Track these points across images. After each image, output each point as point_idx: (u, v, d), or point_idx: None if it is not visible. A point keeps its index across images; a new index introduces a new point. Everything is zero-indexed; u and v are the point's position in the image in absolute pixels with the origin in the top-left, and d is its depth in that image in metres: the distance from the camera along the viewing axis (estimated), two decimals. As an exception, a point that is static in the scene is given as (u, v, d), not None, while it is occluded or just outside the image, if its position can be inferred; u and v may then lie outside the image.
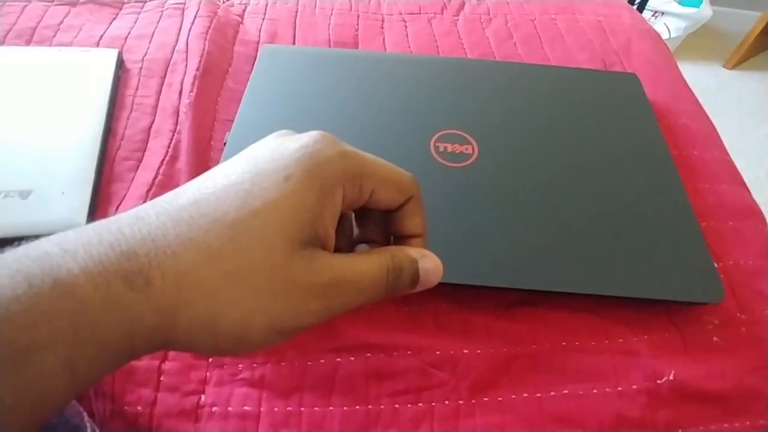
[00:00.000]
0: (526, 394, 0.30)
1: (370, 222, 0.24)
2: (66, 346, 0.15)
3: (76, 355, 0.15)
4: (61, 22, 0.50)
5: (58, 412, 0.17)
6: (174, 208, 0.18)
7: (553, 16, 0.58)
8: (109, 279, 0.16)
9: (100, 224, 0.17)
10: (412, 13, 0.57)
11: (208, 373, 0.30)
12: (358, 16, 0.56)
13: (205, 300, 0.17)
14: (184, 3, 0.54)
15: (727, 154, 0.45)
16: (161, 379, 0.29)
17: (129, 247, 0.16)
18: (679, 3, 1.52)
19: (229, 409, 0.29)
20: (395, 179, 0.21)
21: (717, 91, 1.57)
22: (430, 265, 0.22)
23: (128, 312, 0.16)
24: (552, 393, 0.30)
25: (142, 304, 0.16)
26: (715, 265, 0.34)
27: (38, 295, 0.14)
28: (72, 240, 0.16)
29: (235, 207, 0.18)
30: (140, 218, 0.17)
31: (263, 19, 0.54)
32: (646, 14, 1.53)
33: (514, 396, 0.30)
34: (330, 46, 0.52)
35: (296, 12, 0.55)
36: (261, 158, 0.19)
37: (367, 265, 0.20)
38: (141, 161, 0.40)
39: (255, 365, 0.30)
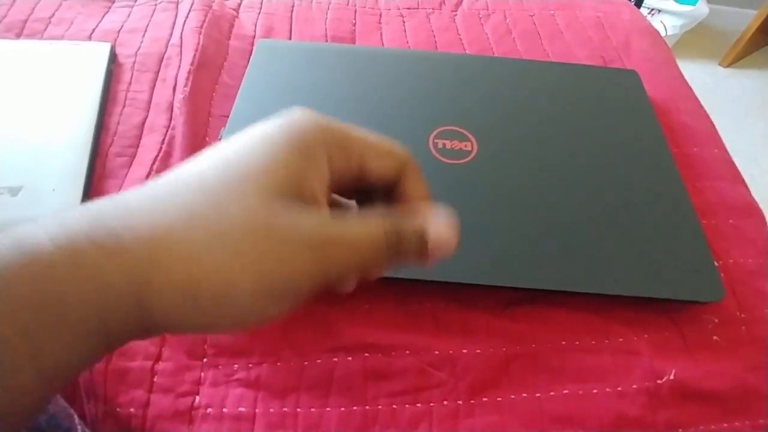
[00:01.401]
0: (525, 394, 0.30)
1: (375, 205, 0.23)
2: (22, 311, 0.14)
3: (36, 321, 0.14)
4: (52, 15, 0.49)
5: (31, 416, 0.15)
6: (151, 183, 0.17)
7: (552, 12, 0.57)
8: (73, 238, 0.15)
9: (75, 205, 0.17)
10: (410, 8, 0.56)
11: (202, 374, 0.29)
12: (356, 11, 0.55)
13: (184, 264, 0.16)
14: (178, -4, 0.53)
15: (727, 152, 0.45)
16: (154, 380, 0.29)
17: (99, 212, 0.16)
18: (676, 1, 1.52)
19: (224, 410, 0.28)
20: (384, 146, 0.21)
21: (713, 89, 1.57)
22: (441, 232, 0.19)
23: (95, 274, 0.15)
24: (552, 393, 0.30)
25: (112, 268, 0.15)
26: (716, 263, 0.34)
27: (1, 261, 0.14)
28: (46, 216, 0.16)
29: (213, 171, 0.17)
30: (115, 195, 0.17)
31: (259, 13, 0.53)
32: (643, 12, 1.53)
33: (513, 396, 0.30)
34: (327, 41, 0.51)
35: (293, 6, 0.55)
36: (241, 135, 0.19)
37: (364, 223, 0.19)
38: (134, 157, 0.40)
39: (250, 365, 0.30)
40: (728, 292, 0.34)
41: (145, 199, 0.16)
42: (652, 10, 1.54)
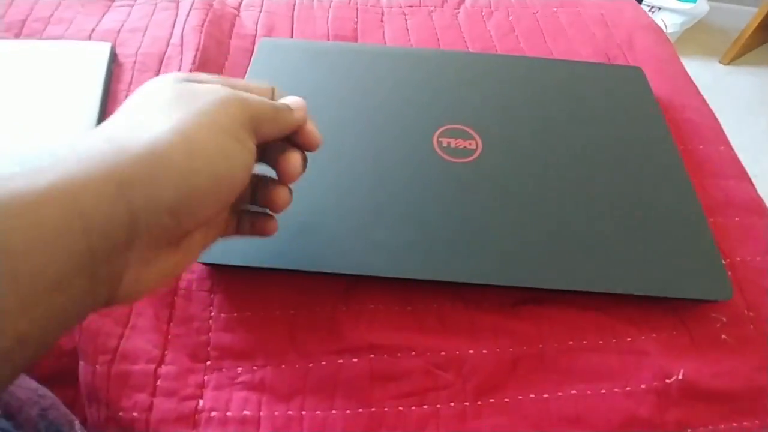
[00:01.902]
0: (533, 395, 0.29)
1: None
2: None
3: (10, 227, 0.13)
4: (52, 15, 0.49)
5: (7, 366, 0.14)
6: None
7: (555, 9, 0.57)
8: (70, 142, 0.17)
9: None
10: (412, 6, 0.56)
11: (206, 377, 0.29)
12: (358, 9, 0.55)
13: (139, 132, 0.18)
14: (178, -5, 0.52)
15: (732, 149, 0.44)
16: (157, 383, 0.28)
17: (80, 137, 0.18)
18: (677, -2, 1.52)
19: (228, 413, 0.28)
20: (274, 114, 0.23)
21: (713, 86, 1.57)
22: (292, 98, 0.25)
23: (67, 173, 0.15)
24: (559, 393, 0.29)
25: (98, 140, 0.17)
26: (723, 262, 0.34)
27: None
28: None
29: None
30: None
31: (260, 11, 0.53)
32: (644, 9, 1.52)
33: (521, 397, 0.29)
34: (329, 40, 0.51)
35: (294, 5, 0.54)
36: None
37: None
38: (135, 158, 0.39)
39: (255, 368, 0.29)
40: (736, 291, 0.34)
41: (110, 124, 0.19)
42: (653, 7, 1.53)
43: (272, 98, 0.25)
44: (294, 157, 0.24)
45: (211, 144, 0.19)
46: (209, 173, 0.19)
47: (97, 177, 0.15)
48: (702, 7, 1.50)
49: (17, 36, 0.47)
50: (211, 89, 0.20)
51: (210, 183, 0.19)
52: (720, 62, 1.65)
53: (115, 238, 0.16)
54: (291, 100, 0.25)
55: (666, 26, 1.51)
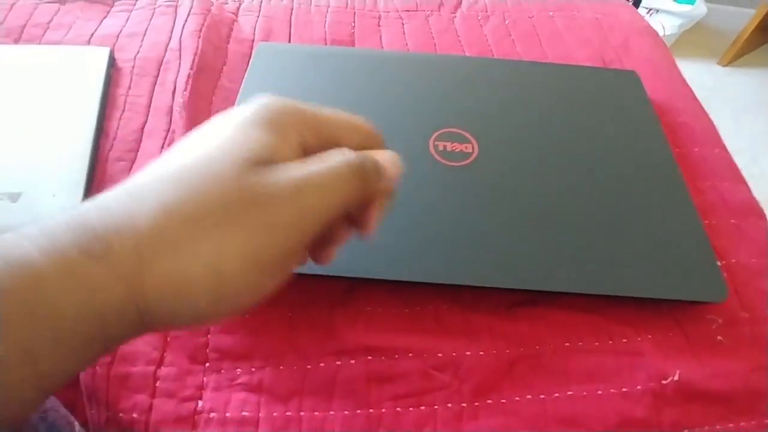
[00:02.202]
0: (529, 396, 0.30)
1: None
2: (20, 330, 0.14)
3: (34, 338, 0.14)
4: (51, 20, 0.49)
5: (30, 410, 0.15)
6: (129, 182, 0.17)
7: (551, 13, 0.57)
8: (65, 251, 0.15)
9: (56, 213, 0.16)
10: (408, 11, 0.56)
11: (205, 378, 0.29)
12: (355, 14, 0.55)
13: (169, 254, 0.16)
14: (177, 0, 0.53)
15: (728, 152, 0.45)
16: (157, 384, 0.29)
17: (83, 219, 0.16)
18: (674, 0, 1.53)
19: (227, 414, 0.28)
20: (351, 122, 0.21)
21: (712, 88, 1.57)
22: (387, 156, 0.22)
23: (89, 283, 0.15)
24: (556, 394, 0.30)
25: (103, 272, 0.15)
26: (718, 263, 0.34)
27: None
28: (29, 227, 0.15)
29: (176, 153, 0.18)
30: (95, 198, 0.17)
31: (258, 16, 0.53)
32: (641, 12, 1.53)
33: (517, 398, 0.29)
34: (326, 44, 0.51)
35: (292, 9, 0.55)
36: (209, 121, 0.19)
37: (325, 160, 0.19)
38: (134, 162, 0.40)
39: (253, 369, 0.30)
40: (731, 292, 0.34)
41: (125, 199, 0.16)
42: (651, 10, 1.54)
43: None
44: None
45: (241, 282, 0.17)
46: (231, 308, 0.17)
47: (122, 297, 0.15)
48: (700, 9, 1.51)
49: (16, 41, 0.47)
50: (289, 193, 0.17)
51: (231, 312, 0.18)
52: (718, 64, 1.66)
53: (132, 335, 0.17)
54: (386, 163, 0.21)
55: (664, 28, 1.52)
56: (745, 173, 0.43)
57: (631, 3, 1.29)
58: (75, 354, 0.15)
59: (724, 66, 1.64)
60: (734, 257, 0.36)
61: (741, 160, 0.45)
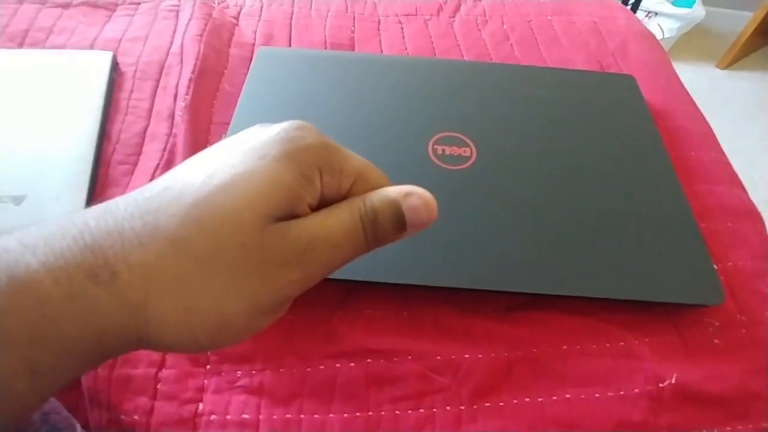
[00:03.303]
0: (527, 399, 0.30)
1: None
2: (25, 347, 0.14)
3: (36, 356, 0.14)
4: (54, 25, 0.50)
5: (29, 413, 0.16)
6: (143, 198, 0.17)
7: (549, 17, 0.58)
8: (71, 273, 0.15)
9: (65, 217, 0.16)
10: (408, 15, 0.57)
11: (205, 381, 0.29)
12: (354, 18, 0.55)
13: (175, 291, 0.16)
14: (179, 5, 0.53)
15: (724, 155, 0.45)
16: (158, 387, 0.29)
17: (93, 240, 0.15)
18: (672, 3, 1.53)
19: (228, 417, 0.28)
20: (374, 182, 0.20)
21: (710, 91, 1.58)
22: (416, 202, 0.19)
23: (93, 308, 0.15)
24: (554, 397, 0.30)
25: (107, 299, 0.15)
26: (715, 266, 0.34)
27: None
28: (33, 234, 0.15)
29: (199, 184, 0.17)
30: (108, 210, 0.16)
31: (259, 20, 0.54)
32: (640, 15, 1.53)
33: (515, 401, 0.30)
34: (326, 48, 0.52)
35: (292, 14, 0.55)
36: (237, 143, 0.18)
37: (338, 216, 0.18)
38: (136, 165, 0.40)
39: (253, 372, 0.30)
40: (728, 296, 0.34)
41: (138, 225, 0.16)
42: (649, 12, 1.55)
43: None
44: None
45: (242, 323, 0.17)
46: (228, 343, 0.18)
47: (123, 325, 0.16)
48: (698, 12, 1.52)
49: (20, 45, 0.47)
50: (301, 252, 0.17)
51: (227, 345, 0.18)
52: (717, 67, 1.66)
53: (129, 352, 0.17)
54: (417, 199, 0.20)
55: (662, 31, 1.53)
56: (742, 176, 0.44)
57: (629, 6, 1.30)
58: (74, 366, 0.15)
59: (723, 69, 1.65)
60: (731, 260, 0.36)
61: (739, 163, 0.45)
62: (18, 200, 0.34)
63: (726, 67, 1.65)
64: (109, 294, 0.15)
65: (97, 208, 0.17)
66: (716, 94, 1.57)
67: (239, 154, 0.18)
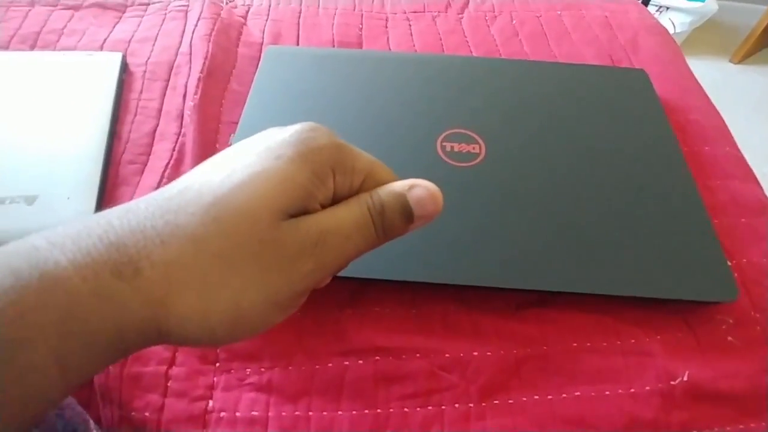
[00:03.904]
0: (537, 397, 0.30)
1: None
2: (55, 339, 0.15)
3: (65, 347, 0.15)
4: (65, 26, 0.50)
5: (52, 407, 0.16)
6: (163, 198, 0.18)
7: (559, 12, 0.57)
8: (98, 270, 0.15)
9: (89, 218, 0.17)
10: (416, 12, 0.57)
11: (215, 378, 0.30)
12: (362, 16, 0.55)
13: (195, 287, 0.17)
14: (187, 5, 0.54)
15: (738, 150, 0.44)
16: (169, 384, 0.29)
17: (117, 238, 0.16)
18: (684, -3, 1.51)
19: (237, 414, 0.28)
20: (383, 178, 0.21)
21: (723, 85, 1.55)
22: (421, 193, 0.20)
23: (117, 303, 0.16)
24: (564, 395, 0.30)
25: (131, 295, 0.16)
26: (729, 263, 0.34)
27: (25, 288, 0.14)
28: (60, 234, 0.16)
29: (218, 184, 0.18)
30: (130, 210, 0.17)
31: (267, 20, 0.54)
32: (651, 9, 1.51)
33: (525, 398, 0.29)
34: (334, 46, 0.52)
35: (300, 12, 0.55)
36: (253, 144, 0.19)
37: (347, 209, 0.19)
38: (146, 165, 0.40)
39: (263, 369, 0.30)
40: (742, 292, 0.34)
41: (160, 224, 0.17)
42: (660, 7, 1.53)
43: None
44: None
45: (258, 317, 0.18)
46: (244, 336, 0.19)
47: (144, 319, 0.16)
48: (711, 5, 1.49)
49: (32, 47, 0.48)
50: (314, 244, 0.18)
51: (242, 339, 0.19)
52: (730, 61, 1.63)
53: (148, 346, 0.18)
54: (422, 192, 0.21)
55: (674, 26, 1.50)
56: (756, 172, 0.43)
57: (640, 1, 1.28)
58: (98, 360, 0.16)
59: (736, 63, 1.62)
60: (745, 257, 0.36)
61: (753, 158, 0.44)
62: (30, 200, 0.35)
63: (740, 62, 1.62)
64: (132, 290, 0.16)
65: (120, 209, 0.17)
66: (730, 89, 1.54)
67: (255, 154, 0.19)
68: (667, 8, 1.52)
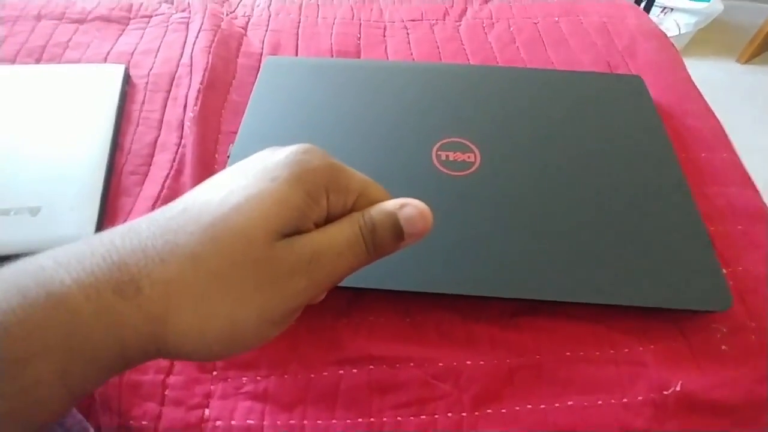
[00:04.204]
0: (530, 406, 0.30)
1: None
2: (59, 355, 0.15)
3: (69, 363, 0.16)
4: (70, 40, 0.51)
5: (55, 419, 0.17)
6: (164, 218, 0.18)
7: (557, 18, 0.57)
8: (100, 289, 0.16)
9: (93, 237, 0.18)
10: (414, 20, 0.57)
11: (212, 387, 0.30)
12: (360, 25, 0.56)
13: (193, 304, 0.17)
14: (189, 17, 0.54)
15: (736, 156, 0.44)
16: (166, 393, 0.30)
17: (120, 258, 0.17)
18: (689, -2, 1.50)
19: (233, 422, 0.29)
20: (375, 197, 0.22)
21: (730, 86, 1.54)
22: (411, 212, 0.21)
23: (119, 321, 0.16)
24: (556, 404, 0.30)
25: (132, 312, 0.16)
26: (724, 271, 0.34)
27: (32, 306, 0.15)
28: (66, 253, 0.17)
29: (216, 205, 0.18)
30: (132, 230, 0.18)
31: (266, 30, 0.55)
32: (655, 11, 1.51)
33: (518, 408, 0.30)
34: (332, 56, 0.52)
35: (299, 23, 0.56)
36: (249, 166, 0.20)
37: (340, 228, 0.20)
38: (147, 175, 0.41)
39: (258, 378, 0.30)
40: (737, 301, 0.34)
41: (160, 244, 0.18)
42: (665, 8, 1.52)
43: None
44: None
45: (253, 333, 0.19)
46: (239, 351, 0.19)
47: (144, 335, 0.17)
48: (716, 5, 1.48)
49: (38, 60, 0.49)
50: (307, 263, 0.19)
51: (237, 354, 0.20)
52: (737, 61, 1.62)
53: (147, 361, 0.18)
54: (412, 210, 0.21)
55: (679, 27, 1.49)
56: (763, 174, 0.42)
57: (644, 3, 1.27)
58: (100, 374, 0.17)
59: (743, 64, 1.61)
60: (741, 265, 0.36)
61: (759, 160, 0.44)
62: (34, 211, 0.36)
63: (746, 62, 1.60)
64: (133, 307, 0.17)
65: (122, 228, 0.18)
66: (736, 90, 1.53)
67: (252, 176, 0.19)
68: (672, 9, 1.51)
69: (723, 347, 0.32)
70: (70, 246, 0.17)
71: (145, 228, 0.18)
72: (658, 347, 0.32)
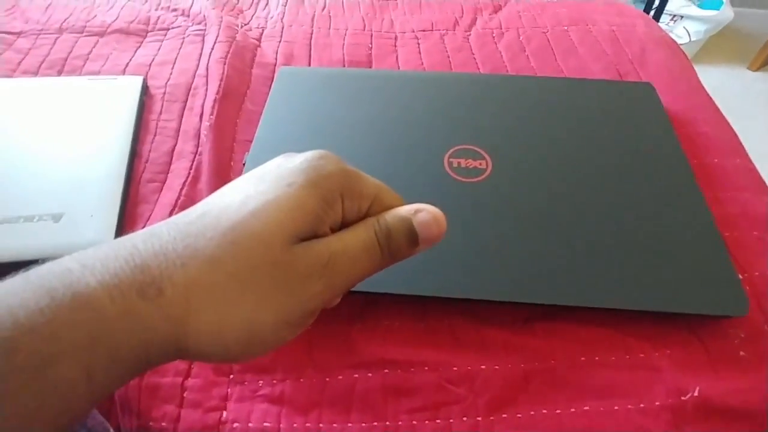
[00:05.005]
0: (545, 411, 0.30)
1: None
2: (85, 355, 0.16)
3: (94, 362, 0.16)
4: (90, 52, 0.53)
5: (80, 419, 0.18)
6: (184, 223, 0.19)
7: (566, 27, 0.58)
8: (124, 291, 0.17)
9: (117, 241, 0.18)
10: (424, 30, 0.58)
11: (229, 390, 0.31)
12: (372, 35, 0.57)
13: (213, 306, 0.18)
14: (204, 29, 0.56)
15: (750, 161, 0.44)
16: (184, 395, 0.30)
17: (142, 261, 0.17)
18: (699, 6, 1.50)
19: (250, 425, 0.29)
20: (389, 202, 0.22)
21: (742, 93, 1.53)
22: (426, 217, 0.22)
23: (142, 321, 0.17)
24: (572, 409, 0.30)
25: (154, 313, 0.17)
26: (740, 276, 0.34)
27: (59, 307, 0.16)
28: (91, 256, 0.17)
29: (234, 210, 0.19)
30: (153, 234, 0.19)
31: (280, 41, 0.56)
32: (665, 19, 1.51)
33: (533, 412, 0.30)
34: (344, 66, 0.53)
35: (311, 34, 0.57)
36: (266, 172, 0.21)
37: (355, 233, 0.21)
38: (165, 183, 0.42)
39: (275, 381, 0.31)
40: (754, 306, 0.33)
41: (180, 247, 0.18)
42: (675, 16, 1.52)
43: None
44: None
45: (270, 335, 0.19)
46: (256, 354, 0.20)
47: (166, 336, 0.18)
48: (726, 13, 1.48)
49: (59, 73, 0.51)
50: (323, 267, 0.19)
51: (255, 356, 0.20)
52: (748, 69, 1.61)
53: (167, 362, 0.19)
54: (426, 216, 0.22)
55: (690, 35, 1.49)
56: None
57: (654, 10, 1.28)
58: (123, 374, 0.17)
59: (755, 71, 1.60)
60: (757, 270, 0.35)
61: (770, 168, 0.44)
62: (57, 218, 0.37)
63: (758, 69, 1.59)
64: (155, 308, 0.17)
65: (145, 232, 0.19)
66: (748, 97, 1.52)
67: (269, 182, 0.20)
68: (682, 17, 1.51)
69: (741, 353, 0.32)
70: (95, 249, 0.18)
71: (166, 232, 0.19)
72: (674, 352, 0.32)
